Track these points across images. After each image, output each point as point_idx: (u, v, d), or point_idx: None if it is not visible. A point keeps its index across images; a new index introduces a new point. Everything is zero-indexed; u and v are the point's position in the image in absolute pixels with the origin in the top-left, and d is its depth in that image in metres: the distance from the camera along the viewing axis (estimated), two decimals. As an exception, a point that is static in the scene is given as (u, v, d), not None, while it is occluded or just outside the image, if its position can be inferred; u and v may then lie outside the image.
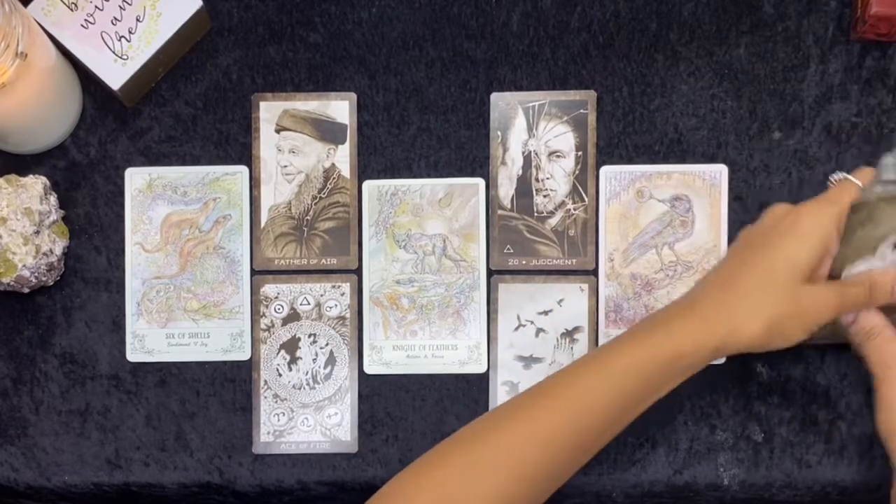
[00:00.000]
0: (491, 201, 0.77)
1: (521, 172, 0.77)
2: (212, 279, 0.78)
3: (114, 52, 0.75)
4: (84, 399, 0.78)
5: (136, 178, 0.78)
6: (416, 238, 0.78)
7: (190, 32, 0.77)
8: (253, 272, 0.78)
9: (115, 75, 0.75)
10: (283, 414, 0.77)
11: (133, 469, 0.78)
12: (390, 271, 0.77)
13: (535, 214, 0.77)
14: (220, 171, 0.78)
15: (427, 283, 0.77)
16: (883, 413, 0.65)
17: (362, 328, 0.77)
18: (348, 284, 0.78)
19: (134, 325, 0.78)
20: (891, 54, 0.76)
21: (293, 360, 0.78)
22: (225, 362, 0.78)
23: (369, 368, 0.77)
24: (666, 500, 0.77)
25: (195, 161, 0.78)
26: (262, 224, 0.78)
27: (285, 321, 0.78)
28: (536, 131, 0.77)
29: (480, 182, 0.77)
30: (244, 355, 0.78)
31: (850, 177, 0.68)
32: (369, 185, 0.78)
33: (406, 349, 0.77)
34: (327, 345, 0.78)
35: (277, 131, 0.78)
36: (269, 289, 0.78)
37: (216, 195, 0.78)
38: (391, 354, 0.77)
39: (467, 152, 0.78)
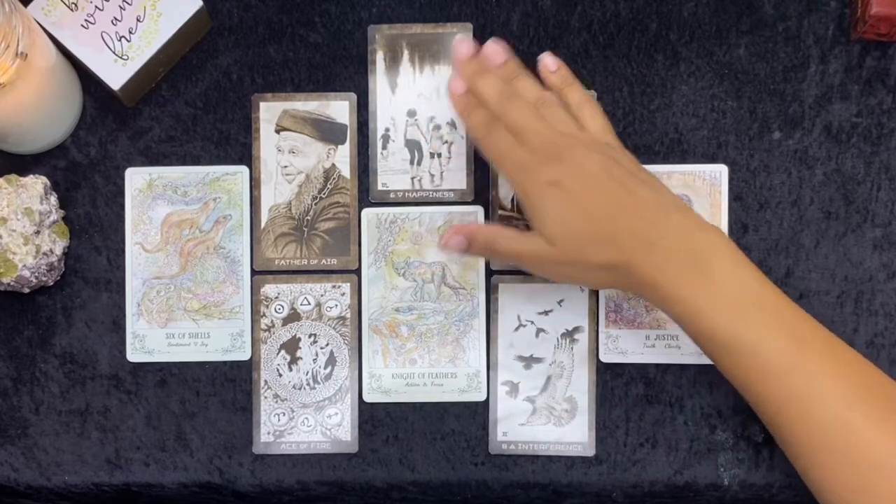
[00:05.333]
0: (491, 202, 0.77)
1: (521, 172, 0.77)
2: (212, 279, 0.78)
3: (114, 52, 0.75)
4: (84, 399, 0.78)
5: (136, 178, 0.78)
6: (416, 266, 0.77)
7: (190, 32, 0.77)
8: (253, 272, 0.78)
9: (115, 75, 0.75)
10: (284, 414, 0.77)
11: (133, 469, 0.78)
12: (389, 299, 0.77)
13: (536, 214, 0.77)
14: (220, 171, 0.78)
15: (426, 311, 0.77)
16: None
17: (362, 330, 0.77)
18: (348, 284, 0.78)
19: (134, 325, 0.78)
20: (891, 54, 0.76)
21: (293, 360, 0.78)
22: (225, 362, 0.78)
23: (368, 397, 0.77)
24: (666, 500, 0.77)
25: (195, 161, 0.78)
26: (263, 224, 0.78)
27: (285, 321, 0.78)
28: (536, 131, 0.77)
29: (479, 210, 0.77)
30: (244, 355, 0.78)
31: None
32: (368, 213, 0.77)
33: (405, 377, 0.77)
34: (327, 345, 0.78)
35: (277, 131, 0.78)
36: (269, 289, 0.78)
37: (216, 195, 0.78)
38: (390, 382, 0.77)
39: (467, 152, 0.78)
